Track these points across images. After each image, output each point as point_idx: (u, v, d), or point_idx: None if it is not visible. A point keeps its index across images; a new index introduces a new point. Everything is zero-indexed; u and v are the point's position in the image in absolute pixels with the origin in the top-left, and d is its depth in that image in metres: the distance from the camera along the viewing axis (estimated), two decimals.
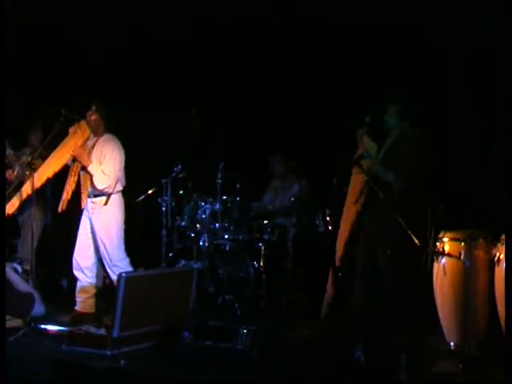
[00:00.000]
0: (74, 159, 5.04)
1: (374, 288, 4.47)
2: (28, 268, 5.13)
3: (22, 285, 3.73)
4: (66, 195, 5.01)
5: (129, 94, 6.02)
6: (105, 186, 4.97)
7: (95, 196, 5.06)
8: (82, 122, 5.06)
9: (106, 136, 5.11)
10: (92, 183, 4.99)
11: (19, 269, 4.61)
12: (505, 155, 3.51)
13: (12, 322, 4.45)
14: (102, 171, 4.95)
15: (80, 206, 5.08)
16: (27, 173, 4.97)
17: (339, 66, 5.58)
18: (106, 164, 4.98)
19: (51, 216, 5.51)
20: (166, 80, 6.09)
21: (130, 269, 5.06)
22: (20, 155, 5.42)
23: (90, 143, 5.09)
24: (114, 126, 5.19)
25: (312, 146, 5.67)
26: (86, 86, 5.97)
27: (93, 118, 5.05)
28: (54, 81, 6.02)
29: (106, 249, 5.09)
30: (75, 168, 5.06)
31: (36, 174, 4.94)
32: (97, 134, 5.10)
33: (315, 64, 5.75)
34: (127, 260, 5.14)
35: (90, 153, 5.05)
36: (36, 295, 4.08)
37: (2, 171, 4.40)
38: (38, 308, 4.45)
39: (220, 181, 5.39)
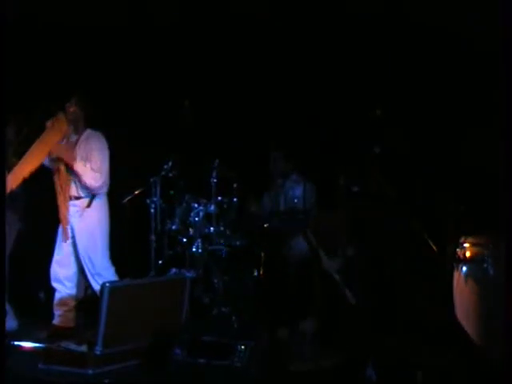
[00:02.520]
0: (55, 159, 4.95)
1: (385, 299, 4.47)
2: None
3: None
4: (64, 207, 5.02)
5: (113, 84, 6.00)
6: (98, 185, 4.94)
7: (76, 198, 5.01)
8: (60, 115, 4.97)
9: (88, 131, 5.06)
10: (81, 183, 4.95)
11: None
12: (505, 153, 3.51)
13: None
14: (91, 169, 4.89)
15: (58, 209, 5.01)
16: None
17: (343, 60, 5.67)
18: (94, 161, 4.93)
19: (26, 221, 5.41)
20: (156, 69, 6.05)
21: (115, 278, 5.01)
22: None
23: (72, 140, 5.01)
24: (97, 119, 5.11)
25: (316, 143, 5.66)
26: (67, 76, 5.91)
27: (71, 109, 4.99)
28: (30, 70, 5.96)
29: (88, 256, 5.04)
30: (59, 170, 4.99)
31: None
32: (77, 128, 5.04)
33: (317, 56, 5.81)
34: (112, 269, 5.11)
35: (73, 151, 4.97)
36: (8, 308, 4.05)
37: (2, 171, 4.38)
38: (10, 322, 4.45)
39: (215, 180, 5.36)
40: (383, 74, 5.43)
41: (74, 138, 5.03)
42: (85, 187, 4.96)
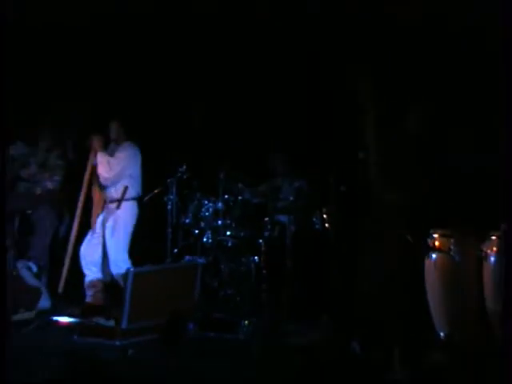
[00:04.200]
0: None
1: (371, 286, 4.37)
2: (41, 264, 5.16)
3: (32, 281, 3.82)
4: (98, 207, 5.18)
5: (139, 103, 5.98)
6: (107, 176, 5.06)
7: (110, 202, 5.15)
8: (95, 137, 5.16)
9: (126, 143, 5.18)
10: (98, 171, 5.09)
11: (34, 268, 4.62)
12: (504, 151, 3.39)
13: (25, 315, 4.50)
14: (108, 162, 5.04)
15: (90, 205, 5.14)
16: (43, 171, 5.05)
17: (338, 63, 5.28)
18: (114, 158, 5.06)
19: (63, 216, 5.50)
20: (172, 89, 6.00)
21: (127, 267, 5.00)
22: (36, 153, 5.39)
23: (111, 148, 5.18)
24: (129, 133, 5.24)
25: (310, 147, 5.63)
26: (93, 94, 5.86)
27: (114, 126, 5.14)
28: (60, 79, 5.87)
29: (111, 249, 5.13)
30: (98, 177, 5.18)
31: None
32: (118, 140, 5.17)
33: (313, 64, 5.58)
34: (129, 261, 5.16)
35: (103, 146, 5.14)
36: (44, 290, 4.15)
37: (2, 172, 4.37)
38: (45, 302, 4.48)
39: (222, 180, 5.37)
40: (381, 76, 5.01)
41: (115, 148, 5.17)
42: (101, 178, 5.11)
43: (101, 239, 5.18)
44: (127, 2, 5.32)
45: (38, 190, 5.25)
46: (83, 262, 5.20)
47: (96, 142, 5.12)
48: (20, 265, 3.92)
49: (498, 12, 3.66)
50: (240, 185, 5.45)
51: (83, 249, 5.19)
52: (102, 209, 5.18)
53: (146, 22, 5.60)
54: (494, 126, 3.87)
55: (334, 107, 5.35)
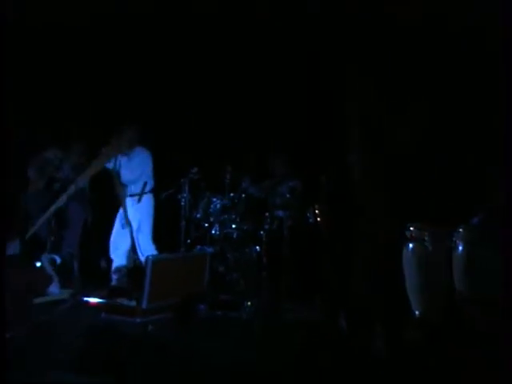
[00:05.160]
0: None
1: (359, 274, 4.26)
2: (73, 253, 5.22)
3: (49, 270, 3.79)
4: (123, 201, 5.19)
5: (151, 109, 5.93)
6: (128, 178, 5.13)
7: (131, 196, 5.21)
8: (114, 141, 5.18)
9: (138, 148, 5.24)
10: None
11: (58, 260, 4.59)
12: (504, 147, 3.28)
13: (61, 295, 4.53)
14: (130, 166, 5.13)
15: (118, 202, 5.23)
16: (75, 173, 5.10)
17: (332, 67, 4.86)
18: (134, 163, 5.13)
19: (91, 209, 5.58)
20: (176, 93, 5.93)
21: (155, 253, 5.12)
22: (69, 156, 5.44)
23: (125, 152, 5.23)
24: (145, 139, 5.25)
25: (305, 150, 5.59)
26: (113, 108, 5.85)
27: (127, 133, 5.18)
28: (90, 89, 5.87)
29: (137, 237, 5.20)
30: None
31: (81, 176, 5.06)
32: (132, 145, 5.22)
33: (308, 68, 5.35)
34: (154, 246, 5.24)
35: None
36: (55, 279, 4.09)
37: (2, 172, 4.22)
38: (54, 288, 4.43)
39: (228, 181, 5.43)
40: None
41: (130, 153, 5.25)
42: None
43: (127, 230, 5.21)
44: (133, 4, 5.07)
45: (71, 190, 5.17)
46: (112, 250, 5.26)
47: (115, 147, 5.18)
48: (45, 258, 3.93)
49: (498, 12, 3.51)
50: (244, 183, 5.48)
51: (113, 239, 5.26)
52: (125, 203, 5.22)
53: (149, 24, 5.39)
54: (494, 126, 3.74)
55: (330, 109, 4.95)
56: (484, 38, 4.10)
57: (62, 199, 5.06)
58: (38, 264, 3.82)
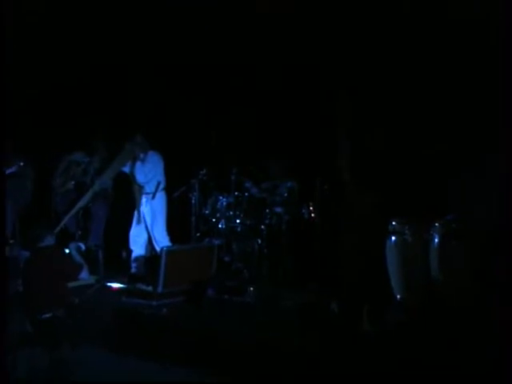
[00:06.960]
0: None
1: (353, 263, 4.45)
2: (98, 244, 5.38)
3: (77, 258, 3.90)
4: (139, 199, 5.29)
5: (162, 117, 5.97)
6: (142, 180, 5.24)
7: (147, 194, 5.35)
8: (128, 145, 5.29)
9: (150, 152, 5.36)
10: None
11: (83, 247, 4.57)
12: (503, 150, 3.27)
13: (89, 281, 4.68)
14: (144, 170, 5.26)
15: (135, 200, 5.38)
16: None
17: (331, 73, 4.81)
18: (147, 167, 5.24)
19: (113, 206, 5.70)
20: (191, 112, 5.99)
21: (169, 244, 5.22)
22: (94, 161, 5.57)
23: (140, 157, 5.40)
24: (159, 144, 5.34)
25: (301, 155, 5.53)
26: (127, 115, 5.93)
27: (139, 139, 5.31)
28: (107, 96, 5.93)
29: (153, 230, 5.35)
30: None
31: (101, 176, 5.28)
32: (145, 149, 5.35)
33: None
34: (168, 238, 5.40)
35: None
36: (85, 267, 4.15)
37: (1, 173, 4.18)
38: (85, 275, 4.49)
39: (233, 181, 5.43)
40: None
41: (143, 157, 5.39)
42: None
43: (144, 224, 5.37)
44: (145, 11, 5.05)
45: (96, 189, 5.40)
46: (131, 242, 5.42)
47: (129, 152, 5.34)
48: (72, 246, 4.12)
49: (497, 12, 3.46)
50: (248, 183, 5.51)
51: (132, 232, 5.43)
52: (140, 202, 5.38)
53: (162, 34, 5.36)
54: (494, 125, 3.60)
55: (323, 120, 5.06)
56: (484, 36, 3.91)
57: (86, 198, 5.25)
58: (67, 251, 3.98)
